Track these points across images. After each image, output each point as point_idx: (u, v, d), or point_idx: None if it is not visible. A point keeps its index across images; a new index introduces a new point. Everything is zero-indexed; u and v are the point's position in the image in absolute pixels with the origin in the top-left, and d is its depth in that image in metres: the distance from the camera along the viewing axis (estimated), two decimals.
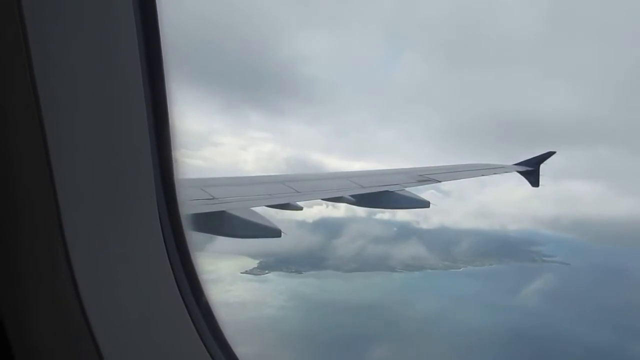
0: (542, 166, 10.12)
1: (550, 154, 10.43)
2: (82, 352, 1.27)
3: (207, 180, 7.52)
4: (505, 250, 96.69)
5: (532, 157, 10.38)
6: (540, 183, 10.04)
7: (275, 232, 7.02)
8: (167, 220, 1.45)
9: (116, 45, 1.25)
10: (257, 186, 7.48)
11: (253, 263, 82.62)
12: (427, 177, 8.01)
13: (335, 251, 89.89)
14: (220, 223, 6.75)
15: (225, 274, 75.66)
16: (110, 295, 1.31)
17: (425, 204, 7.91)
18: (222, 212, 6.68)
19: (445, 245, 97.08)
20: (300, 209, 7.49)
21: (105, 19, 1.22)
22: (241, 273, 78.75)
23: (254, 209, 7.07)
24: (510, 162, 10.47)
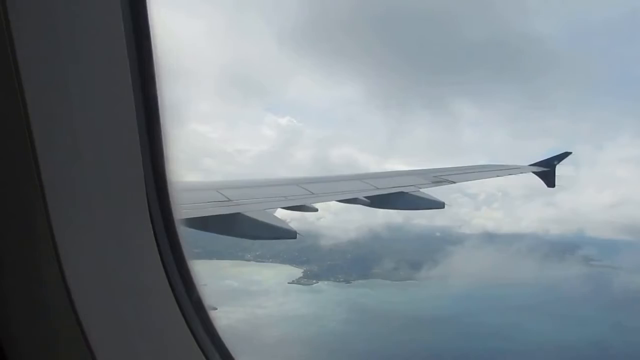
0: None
1: (566, 155, 10.33)
2: (75, 354, 1.26)
3: (224, 183, 7.59)
4: (552, 254, 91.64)
5: (548, 157, 10.31)
6: (556, 184, 9.96)
7: (290, 234, 7.04)
8: (160, 220, 1.44)
9: (105, 45, 1.24)
10: (273, 188, 7.52)
11: (298, 272, 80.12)
12: (442, 178, 7.98)
13: (380, 259, 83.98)
14: (236, 225, 6.78)
15: (274, 284, 74.08)
16: (102, 297, 1.30)
17: (440, 205, 7.88)
18: (238, 214, 6.69)
19: (492, 250, 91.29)
20: (315, 210, 7.50)
21: (93, 18, 1.21)
22: (289, 283, 76.68)
23: (269, 210, 7.11)
24: None
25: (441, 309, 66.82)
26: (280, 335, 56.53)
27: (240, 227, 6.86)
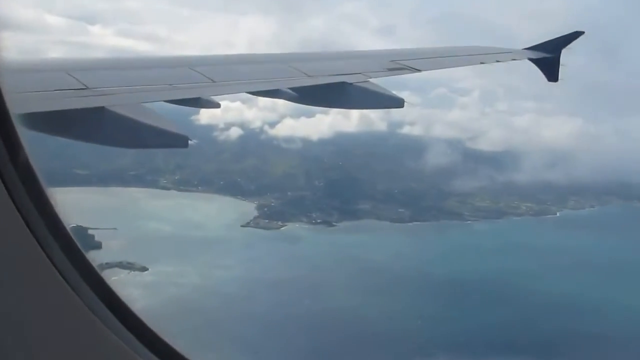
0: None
1: (577, 35, 7.78)
2: None
3: (78, 62, 5.26)
4: (604, 183, 60.97)
5: (551, 39, 7.76)
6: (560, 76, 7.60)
7: (180, 141, 5.13)
8: None
9: None
10: (152, 71, 5.26)
11: (250, 208, 52.38)
12: (402, 64, 5.69)
13: (365, 187, 56.35)
14: (98, 125, 5.01)
15: (223, 229, 47.54)
16: None
17: (397, 103, 5.79)
18: (101, 109, 4.69)
19: (523, 177, 60.99)
20: (217, 106, 5.37)
21: None
22: (242, 226, 49.86)
23: (147, 104, 5.01)
24: None
25: (485, 266, 44.38)
26: (269, 321, 34.55)
27: (105, 130, 5.04)
